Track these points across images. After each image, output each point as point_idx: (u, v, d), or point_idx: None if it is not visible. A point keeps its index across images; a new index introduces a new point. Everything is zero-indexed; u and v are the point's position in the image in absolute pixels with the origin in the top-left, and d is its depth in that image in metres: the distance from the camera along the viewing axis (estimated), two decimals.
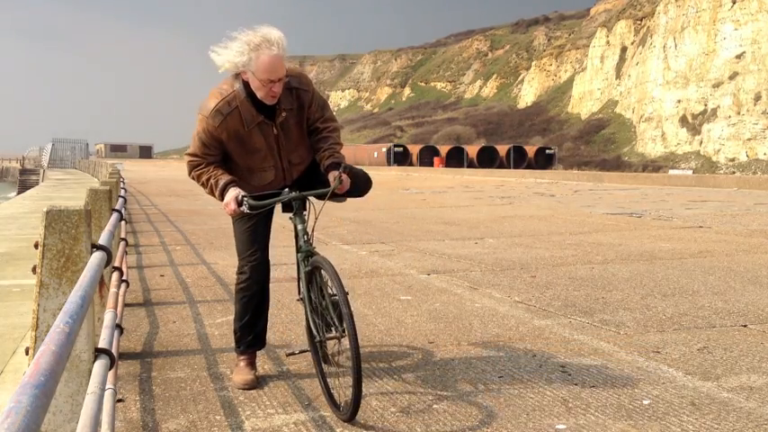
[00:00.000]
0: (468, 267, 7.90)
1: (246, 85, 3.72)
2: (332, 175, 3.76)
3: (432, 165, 59.73)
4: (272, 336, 4.95)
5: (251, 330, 4.03)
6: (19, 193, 39.14)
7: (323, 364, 3.76)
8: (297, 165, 4.00)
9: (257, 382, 3.96)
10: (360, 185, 3.97)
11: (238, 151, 3.84)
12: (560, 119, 79.93)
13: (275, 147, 3.86)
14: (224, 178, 3.75)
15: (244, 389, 3.89)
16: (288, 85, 3.79)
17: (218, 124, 3.72)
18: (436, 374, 4.12)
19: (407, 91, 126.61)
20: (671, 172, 45.65)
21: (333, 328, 3.61)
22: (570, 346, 4.69)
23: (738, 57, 52.26)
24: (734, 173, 46.27)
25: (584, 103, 77.62)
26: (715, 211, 15.55)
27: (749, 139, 49.72)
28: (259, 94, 3.70)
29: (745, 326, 5.18)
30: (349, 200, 4.26)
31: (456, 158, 62.04)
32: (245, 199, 3.65)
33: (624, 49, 73.99)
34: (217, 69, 3.73)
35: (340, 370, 3.88)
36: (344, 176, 3.69)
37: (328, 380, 3.65)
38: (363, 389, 3.87)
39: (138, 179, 36.44)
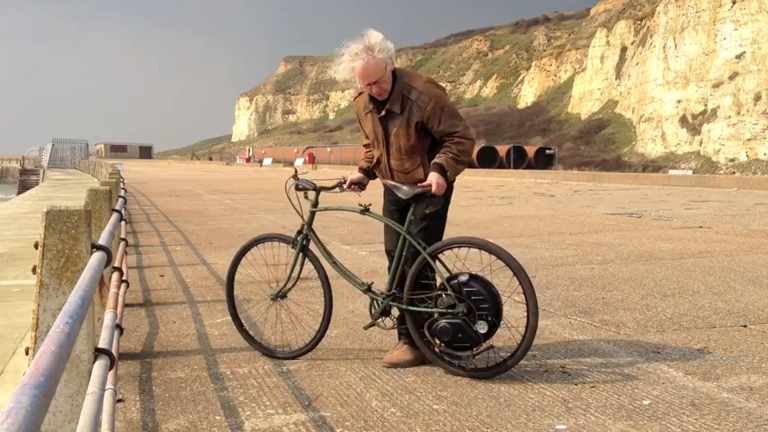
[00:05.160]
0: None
1: None
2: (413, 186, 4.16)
3: None
4: (272, 336, 4.95)
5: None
6: (19, 194, 39.13)
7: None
8: (397, 171, 4.30)
9: (407, 363, 4.25)
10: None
11: (366, 132, 4.46)
12: (560, 119, 79.98)
13: (382, 140, 4.29)
14: (361, 163, 4.57)
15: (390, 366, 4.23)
16: (402, 92, 4.15)
17: (353, 99, 4.51)
18: (436, 374, 4.12)
19: None
20: (671, 172, 45.65)
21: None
22: (570, 346, 4.69)
23: (738, 57, 52.27)
24: (734, 173, 46.27)
25: (584, 103, 77.64)
26: (715, 211, 15.55)
27: (749, 140, 49.73)
28: None
29: (745, 326, 5.18)
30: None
31: None
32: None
33: (624, 50, 74.03)
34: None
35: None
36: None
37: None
38: (364, 389, 3.88)
39: (139, 179, 36.45)
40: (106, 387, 2.27)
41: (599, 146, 65.07)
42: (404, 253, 4.23)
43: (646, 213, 14.90)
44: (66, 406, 2.61)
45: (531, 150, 61.09)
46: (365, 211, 4.37)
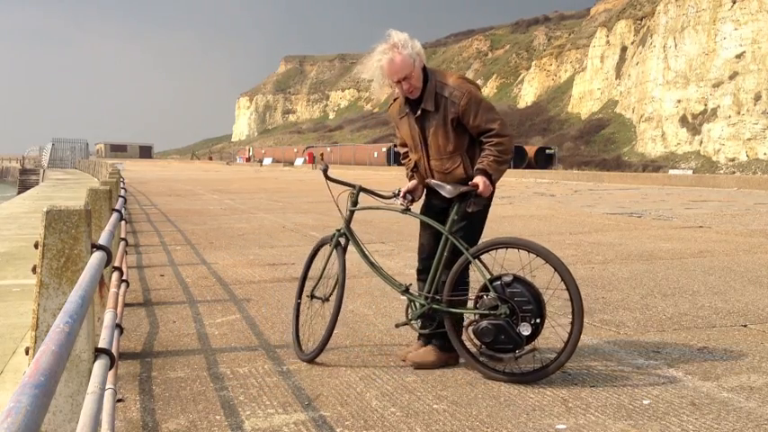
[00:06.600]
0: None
1: None
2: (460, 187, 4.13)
3: None
4: (272, 336, 4.95)
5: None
6: (19, 193, 39.11)
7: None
8: (437, 171, 4.27)
9: (430, 365, 4.22)
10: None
11: (402, 137, 4.46)
12: (560, 119, 79.97)
13: (420, 142, 4.29)
14: (409, 174, 4.52)
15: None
16: (435, 89, 4.16)
17: (388, 108, 4.61)
18: (436, 374, 4.12)
19: None
20: (671, 172, 45.64)
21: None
22: None
23: (738, 57, 52.26)
24: (734, 173, 46.27)
25: (584, 102, 77.65)
26: (715, 210, 15.56)
27: (749, 139, 49.73)
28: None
29: (745, 326, 5.18)
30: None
31: None
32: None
33: (624, 49, 74.02)
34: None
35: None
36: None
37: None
38: (364, 389, 3.88)
39: (139, 179, 36.45)
40: (106, 387, 2.27)
41: (599, 146, 65.07)
42: (445, 253, 4.21)
43: (646, 213, 14.90)
44: (66, 406, 2.61)
45: (531, 150, 61.05)
46: (407, 210, 4.39)
